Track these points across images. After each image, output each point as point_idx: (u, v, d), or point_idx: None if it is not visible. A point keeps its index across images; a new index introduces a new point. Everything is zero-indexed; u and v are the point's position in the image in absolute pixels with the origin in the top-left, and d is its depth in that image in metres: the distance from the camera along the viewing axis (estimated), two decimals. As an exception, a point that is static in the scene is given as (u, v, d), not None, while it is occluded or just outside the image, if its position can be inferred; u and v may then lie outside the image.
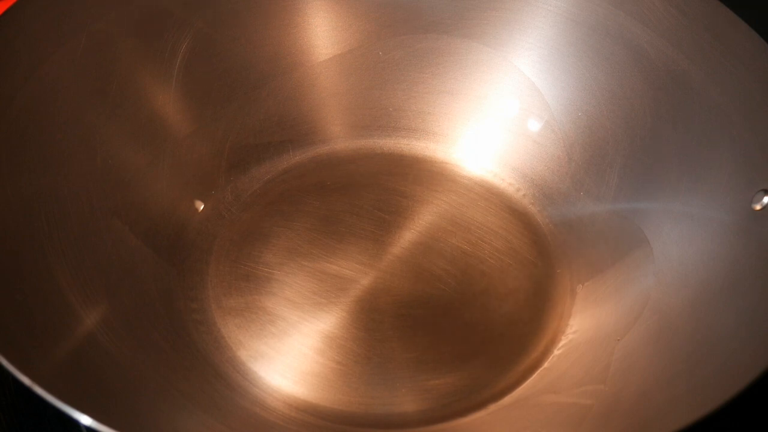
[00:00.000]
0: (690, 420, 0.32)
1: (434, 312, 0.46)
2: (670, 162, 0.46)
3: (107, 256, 0.43)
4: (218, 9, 0.51)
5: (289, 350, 0.44)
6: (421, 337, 0.45)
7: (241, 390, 0.42)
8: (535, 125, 0.52)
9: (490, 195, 0.51)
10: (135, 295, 0.43)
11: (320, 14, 0.53)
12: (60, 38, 0.45)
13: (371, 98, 0.54)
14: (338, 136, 0.54)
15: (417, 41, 0.53)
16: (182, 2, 0.50)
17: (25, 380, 0.32)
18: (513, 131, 0.53)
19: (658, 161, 0.47)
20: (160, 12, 0.49)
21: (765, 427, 0.44)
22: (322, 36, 0.53)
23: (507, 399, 0.42)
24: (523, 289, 0.47)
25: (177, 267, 0.46)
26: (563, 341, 0.45)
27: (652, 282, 0.44)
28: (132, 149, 0.47)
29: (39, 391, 0.32)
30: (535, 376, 0.43)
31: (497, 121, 0.53)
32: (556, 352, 0.44)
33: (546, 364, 0.44)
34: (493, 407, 0.42)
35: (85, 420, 0.31)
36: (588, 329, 0.45)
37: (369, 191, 0.51)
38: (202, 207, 0.49)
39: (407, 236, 0.49)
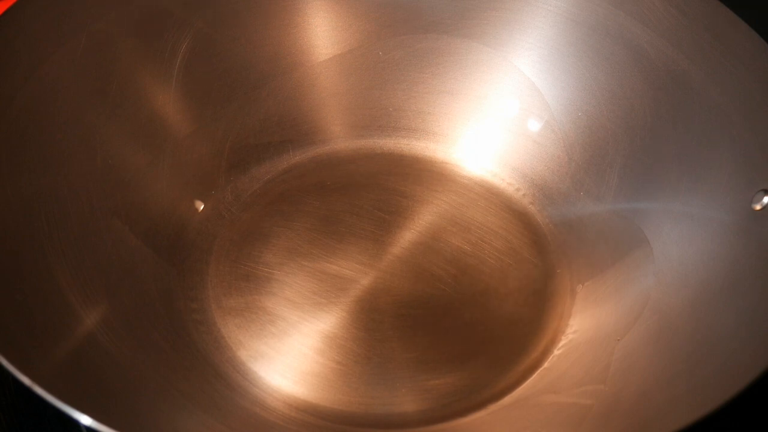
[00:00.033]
0: (690, 420, 0.32)
1: (434, 312, 0.46)
2: (670, 162, 0.46)
3: (107, 256, 0.43)
4: (218, 9, 0.51)
5: (289, 350, 0.44)
6: (421, 337, 0.45)
7: (241, 390, 0.42)
8: (535, 125, 0.52)
9: (490, 195, 0.51)
10: (135, 295, 0.43)
11: (320, 14, 0.53)
12: (60, 38, 0.45)
13: (371, 98, 0.54)
14: (338, 136, 0.54)
15: (417, 41, 0.53)
16: (182, 2, 0.50)
17: (25, 380, 0.32)
18: (513, 131, 0.53)
19: (658, 161, 0.47)
20: (160, 12, 0.49)
21: (765, 427, 0.44)
22: (322, 36, 0.53)
23: (507, 399, 0.42)
24: (523, 289, 0.47)
25: (177, 267, 0.46)
26: (563, 341, 0.45)
27: (652, 282, 0.44)
28: (132, 149, 0.47)
29: (39, 391, 0.32)
30: (535, 376, 0.43)
31: (497, 121, 0.53)
32: (556, 352, 0.44)
33: (546, 364, 0.44)
34: (493, 407, 0.42)
35: (85, 420, 0.31)
36: (588, 329, 0.45)
37: (369, 191, 0.51)
38: (202, 207, 0.49)
39: (407, 236, 0.49)
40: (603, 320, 0.44)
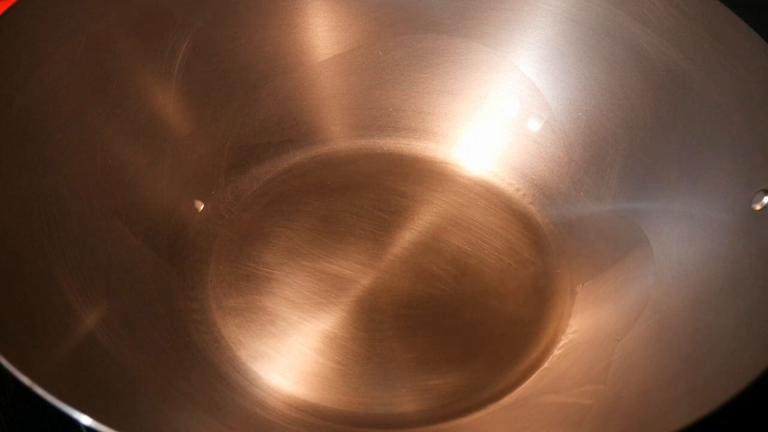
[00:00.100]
0: (690, 420, 0.32)
1: (434, 312, 0.46)
2: (670, 162, 0.46)
3: (107, 256, 0.43)
4: (218, 9, 0.51)
5: (289, 350, 0.44)
6: (421, 337, 0.45)
7: (241, 390, 0.42)
8: (535, 125, 0.52)
9: (490, 195, 0.51)
10: (135, 295, 0.43)
11: (320, 14, 0.53)
12: (60, 38, 0.45)
13: (371, 98, 0.54)
14: (338, 136, 0.54)
15: (417, 41, 0.53)
16: (182, 2, 0.50)
17: (25, 380, 0.32)
18: (513, 131, 0.53)
19: (658, 161, 0.47)
20: (160, 12, 0.49)
21: (765, 427, 0.44)
22: (322, 36, 0.53)
23: (507, 399, 0.42)
24: (523, 289, 0.47)
25: (177, 267, 0.46)
26: (563, 341, 0.45)
27: (652, 282, 0.44)
28: (132, 149, 0.47)
29: (39, 391, 0.32)
30: (535, 376, 0.43)
31: (497, 121, 0.53)
32: (556, 352, 0.44)
33: (546, 364, 0.44)
34: (493, 407, 0.42)
35: (85, 420, 0.31)
36: (588, 329, 0.45)
37: (369, 191, 0.51)
38: (202, 207, 0.49)
39: (407, 236, 0.49)
40: (603, 320, 0.44)
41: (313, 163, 0.53)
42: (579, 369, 0.42)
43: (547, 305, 0.47)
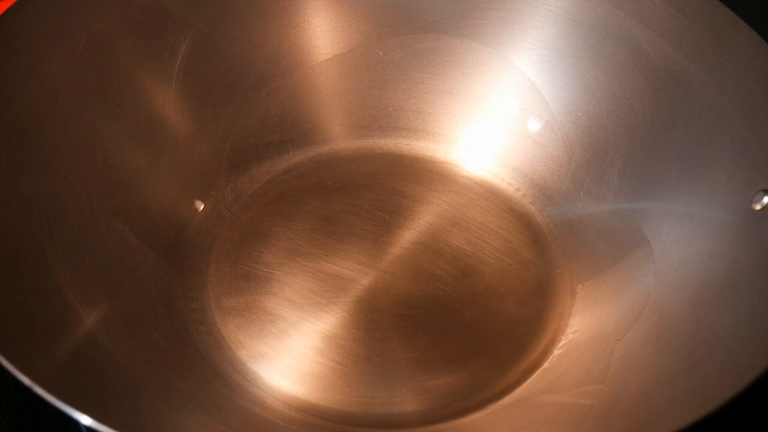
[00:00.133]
0: (690, 420, 0.32)
1: (434, 312, 0.46)
2: (670, 162, 0.46)
3: (107, 256, 0.43)
4: (218, 9, 0.51)
5: (289, 350, 0.44)
6: (421, 337, 0.45)
7: (241, 390, 0.42)
8: (535, 125, 0.52)
9: (490, 195, 0.51)
10: (135, 295, 0.43)
11: (320, 14, 0.53)
12: (60, 38, 0.45)
13: (371, 98, 0.54)
14: (338, 136, 0.54)
15: (417, 41, 0.53)
16: (182, 2, 0.50)
17: (25, 380, 0.32)
18: (513, 131, 0.53)
19: (658, 161, 0.47)
20: (160, 12, 0.49)
21: (765, 427, 0.44)
22: (322, 36, 0.53)
23: (507, 399, 0.42)
24: (523, 289, 0.47)
25: (177, 267, 0.46)
26: (563, 341, 0.45)
27: (652, 282, 0.44)
28: (132, 149, 0.47)
29: (39, 391, 0.32)
30: (535, 376, 0.43)
31: (497, 121, 0.53)
32: (556, 352, 0.44)
33: (546, 364, 0.44)
34: (493, 407, 0.42)
35: (85, 420, 0.31)
36: (588, 329, 0.45)
37: (369, 191, 0.51)
38: (202, 207, 0.49)
39: (407, 236, 0.49)
40: (603, 320, 0.44)
41: (313, 163, 0.53)
42: (579, 369, 0.42)
43: (547, 305, 0.47)
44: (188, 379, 0.41)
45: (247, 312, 0.45)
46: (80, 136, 0.45)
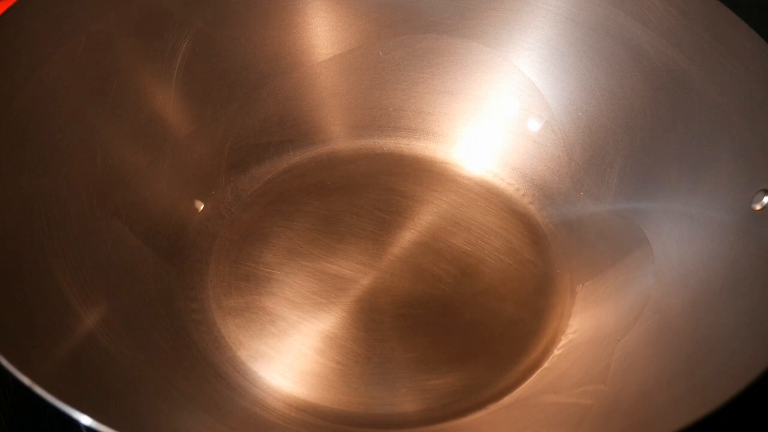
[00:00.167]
0: (690, 420, 0.32)
1: (434, 312, 0.46)
2: (670, 162, 0.46)
3: (107, 256, 0.43)
4: (218, 9, 0.51)
5: (289, 350, 0.44)
6: (421, 337, 0.45)
7: (241, 390, 0.42)
8: (535, 125, 0.52)
9: (490, 195, 0.51)
10: (135, 295, 0.43)
11: (320, 14, 0.53)
12: (60, 38, 0.45)
13: (371, 98, 0.54)
14: (338, 136, 0.54)
15: (417, 41, 0.53)
16: (182, 2, 0.50)
17: (25, 380, 0.32)
18: (513, 131, 0.53)
19: (658, 161, 0.47)
20: (160, 12, 0.49)
21: (765, 427, 0.44)
22: (322, 36, 0.53)
23: (507, 399, 0.42)
24: (523, 289, 0.47)
25: (177, 267, 0.46)
26: (563, 341, 0.45)
27: (652, 282, 0.44)
28: (132, 149, 0.47)
29: (39, 391, 0.32)
30: (535, 376, 0.43)
31: (497, 121, 0.53)
32: (556, 352, 0.44)
33: (546, 364, 0.44)
34: (493, 407, 0.42)
35: (85, 420, 0.31)
36: (588, 329, 0.45)
37: (369, 191, 0.51)
38: (202, 207, 0.49)
39: (407, 236, 0.49)
40: (603, 320, 0.44)
41: (313, 163, 0.53)
42: (579, 369, 0.42)
43: (547, 305, 0.47)
44: (188, 379, 0.41)
45: (247, 312, 0.45)
46: (80, 136, 0.45)
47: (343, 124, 0.54)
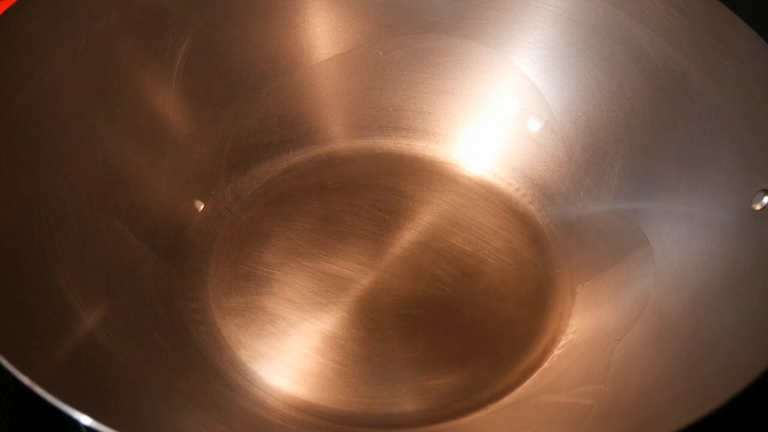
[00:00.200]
0: (690, 420, 0.32)
1: (434, 312, 0.46)
2: (670, 162, 0.46)
3: (107, 256, 0.43)
4: (218, 9, 0.51)
5: (289, 350, 0.44)
6: (421, 337, 0.45)
7: (241, 390, 0.42)
8: (535, 125, 0.52)
9: (490, 195, 0.51)
10: (135, 295, 0.43)
11: (320, 14, 0.53)
12: (60, 38, 0.45)
13: (371, 98, 0.54)
14: (338, 136, 0.54)
15: (417, 41, 0.53)
16: (182, 2, 0.50)
17: (25, 380, 0.32)
18: (513, 131, 0.53)
19: (658, 161, 0.47)
20: (160, 12, 0.49)
21: (765, 427, 0.44)
22: (322, 36, 0.53)
23: (507, 399, 0.42)
24: (523, 289, 0.47)
25: (177, 267, 0.46)
26: (563, 341, 0.45)
27: (652, 282, 0.44)
28: (132, 149, 0.47)
29: (39, 391, 0.32)
30: (535, 376, 0.43)
31: (497, 121, 0.53)
32: (556, 352, 0.44)
33: (546, 364, 0.44)
34: (493, 407, 0.42)
35: (85, 420, 0.31)
36: (588, 329, 0.45)
37: (369, 191, 0.51)
38: (202, 207, 0.49)
39: (407, 236, 0.49)
40: (603, 320, 0.44)
41: (313, 163, 0.53)
42: (579, 369, 0.42)
43: (547, 305, 0.47)
44: (188, 379, 0.41)
45: (247, 312, 0.45)
46: (80, 136, 0.45)
47: (343, 124, 0.54)
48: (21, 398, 0.42)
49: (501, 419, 0.41)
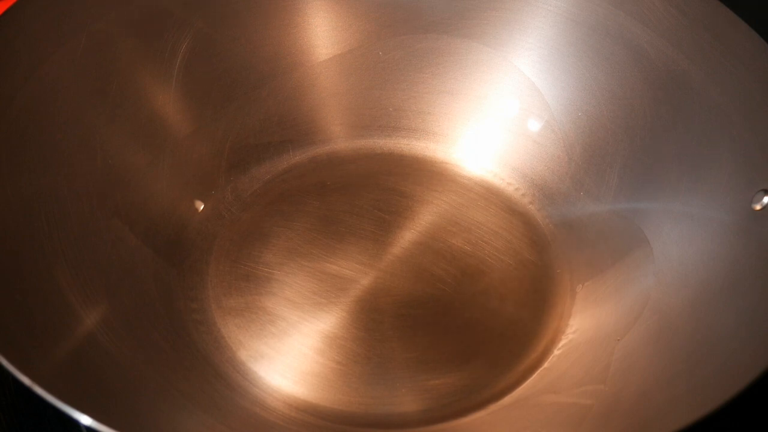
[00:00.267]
0: (690, 420, 0.32)
1: (434, 312, 0.46)
2: (670, 162, 0.46)
3: (107, 256, 0.43)
4: (218, 9, 0.51)
5: (289, 350, 0.44)
6: (421, 337, 0.45)
7: (241, 390, 0.42)
8: (535, 125, 0.52)
9: (490, 195, 0.51)
10: (135, 295, 0.43)
11: (320, 14, 0.53)
12: (60, 38, 0.45)
13: (371, 98, 0.54)
14: (338, 136, 0.54)
15: (417, 41, 0.53)
16: (182, 2, 0.50)
17: (25, 380, 0.32)
18: (513, 131, 0.53)
19: (658, 161, 0.47)
20: (160, 12, 0.49)
21: (765, 427, 0.44)
22: (322, 36, 0.53)
23: (507, 399, 0.42)
24: (523, 289, 0.47)
25: (177, 267, 0.46)
26: (563, 341, 0.45)
27: (652, 282, 0.44)
28: (132, 149, 0.47)
29: (39, 391, 0.32)
30: (535, 376, 0.43)
31: (497, 121, 0.53)
32: (556, 352, 0.44)
33: (546, 364, 0.44)
34: (493, 407, 0.42)
35: (85, 420, 0.31)
36: (588, 329, 0.45)
37: (369, 191, 0.51)
38: (202, 207, 0.49)
39: (407, 236, 0.49)
40: (603, 320, 0.44)
41: (313, 163, 0.53)
42: (579, 369, 0.42)
43: (547, 305, 0.47)
44: (188, 379, 0.41)
45: (247, 312, 0.45)
46: (80, 136, 0.45)
47: (343, 124, 0.54)
48: (21, 398, 0.42)
49: (501, 419, 0.41)
